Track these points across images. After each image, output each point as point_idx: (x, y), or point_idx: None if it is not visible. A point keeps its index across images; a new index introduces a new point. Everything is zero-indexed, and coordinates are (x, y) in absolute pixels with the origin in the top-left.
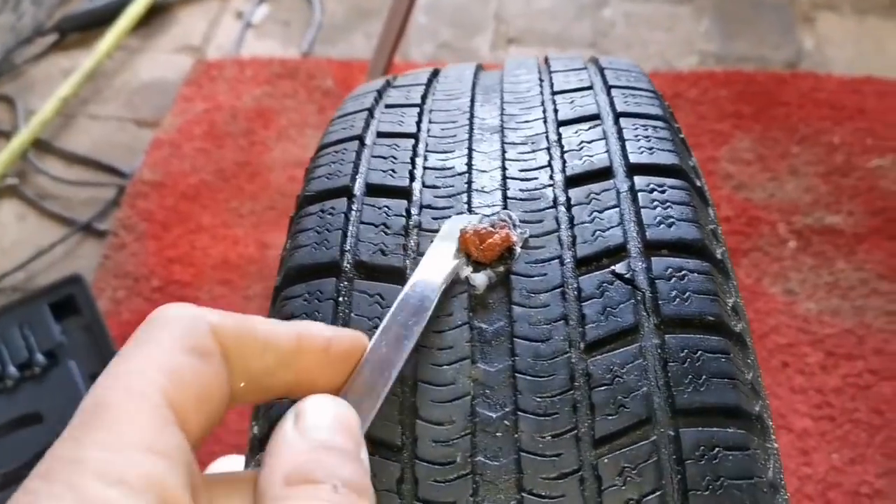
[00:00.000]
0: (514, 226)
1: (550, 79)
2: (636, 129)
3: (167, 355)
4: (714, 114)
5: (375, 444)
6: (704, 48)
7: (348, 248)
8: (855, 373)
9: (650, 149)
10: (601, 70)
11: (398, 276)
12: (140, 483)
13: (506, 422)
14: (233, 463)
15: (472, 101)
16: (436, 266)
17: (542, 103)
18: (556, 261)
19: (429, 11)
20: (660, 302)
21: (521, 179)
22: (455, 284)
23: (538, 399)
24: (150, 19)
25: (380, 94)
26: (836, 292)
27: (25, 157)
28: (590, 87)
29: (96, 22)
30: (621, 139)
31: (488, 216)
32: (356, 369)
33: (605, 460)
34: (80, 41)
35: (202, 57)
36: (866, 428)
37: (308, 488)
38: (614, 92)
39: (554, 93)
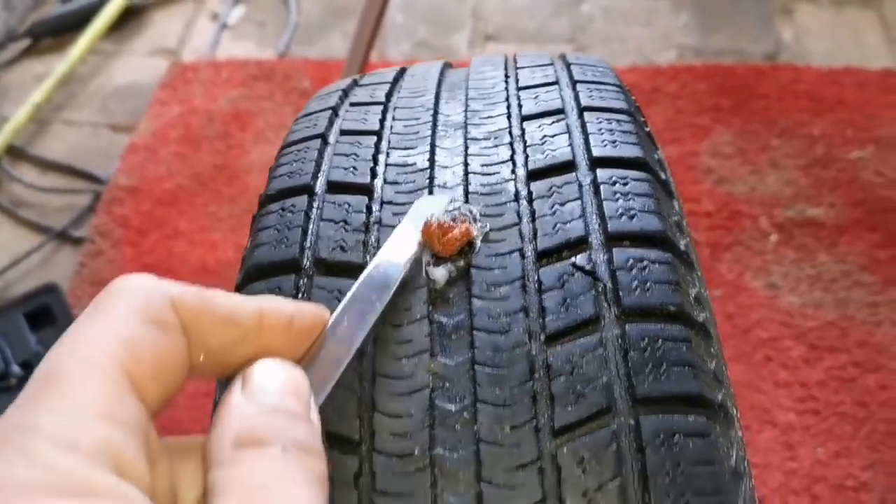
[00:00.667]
0: (475, 220)
1: (516, 75)
2: (600, 122)
3: (124, 325)
4: (693, 108)
5: (333, 438)
6: (683, 42)
7: (308, 245)
8: (839, 365)
9: (613, 142)
10: (567, 66)
11: (358, 272)
12: (95, 449)
13: (465, 414)
14: None
15: (437, 98)
16: (400, 247)
17: (507, 99)
18: (517, 253)
19: (405, 9)
20: (621, 293)
21: (483, 174)
22: (414, 278)
23: (497, 391)
24: (124, 22)
25: (345, 92)
26: (819, 285)
27: None
28: (555, 83)
29: (69, 26)
30: (584, 133)
31: (454, 202)
32: (316, 342)
33: (565, 450)
34: (53, 46)
35: (177, 59)
36: (851, 421)
37: (257, 450)
38: (580, 87)
39: (519, 88)
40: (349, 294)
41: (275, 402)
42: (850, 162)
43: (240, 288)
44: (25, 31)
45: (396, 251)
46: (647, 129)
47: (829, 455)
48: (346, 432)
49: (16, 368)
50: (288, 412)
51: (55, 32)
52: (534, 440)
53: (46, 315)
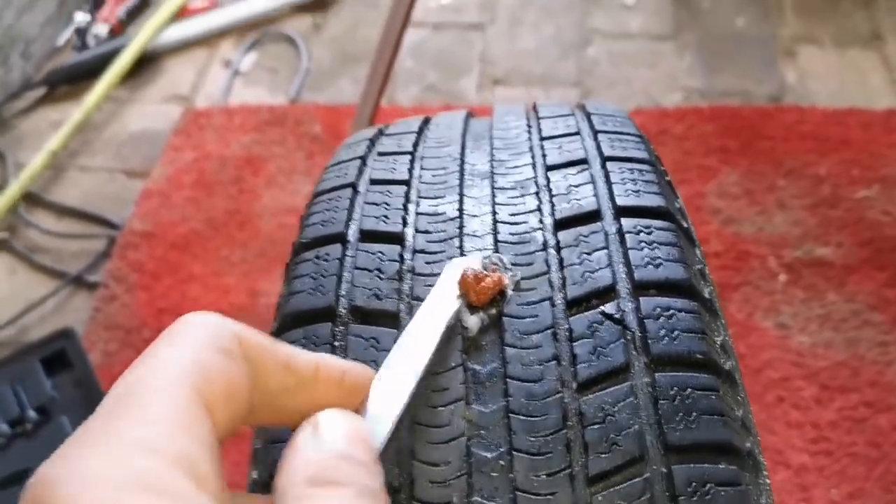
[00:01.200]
0: (506, 269)
1: (539, 125)
2: (623, 172)
3: (196, 351)
4: (700, 149)
5: None
6: (688, 84)
7: (343, 293)
8: (850, 406)
9: (637, 191)
10: (588, 116)
11: (392, 320)
12: (175, 456)
13: (501, 462)
14: None
15: (463, 147)
16: (439, 305)
17: (531, 149)
18: (547, 302)
19: (414, 55)
20: (649, 341)
21: (511, 223)
22: (448, 328)
23: (532, 439)
24: (139, 70)
25: (372, 142)
26: (829, 325)
27: (16, 211)
28: (577, 133)
29: (85, 74)
30: (608, 182)
31: (485, 258)
32: (365, 400)
33: (600, 498)
34: (68, 94)
35: (191, 106)
36: (864, 461)
37: (332, 489)
38: (601, 137)
39: (542, 139)
40: (393, 350)
41: (345, 448)
42: (857, 201)
43: (277, 334)
44: (42, 79)
45: (435, 310)
46: (668, 178)
47: (843, 496)
48: (386, 479)
49: (31, 413)
50: (358, 459)
51: (71, 80)
52: (569, 488)
53: (62, 360)
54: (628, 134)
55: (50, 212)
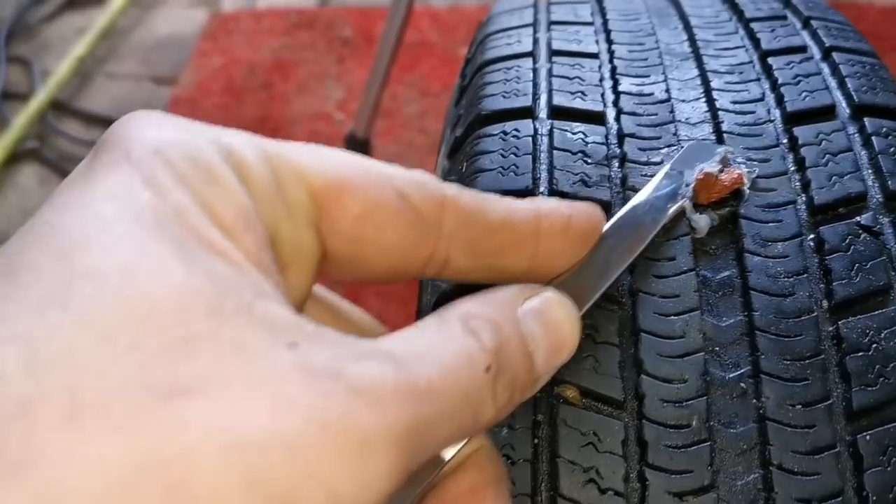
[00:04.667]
0: (740, 164)
1: (734, 4)
2: (853, 65)
3: None
4: None
5: (591, 396)
6: None
7: (539, 176)
8: None
9: (874, 88)
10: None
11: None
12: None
13: (742, 384)
14: None
15: (652, 23)
16: (664, 188)
17: (738, 30)
18: (792, 206)
19: None
20: None
21: (737, 112)
22: (674, 226)
23: (787, 362)
24: None
25: (535, 10)
26: None
27: (44, 120)
28: (784, 17)
29: None
30: (838, 75)
31: (718, 151)
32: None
33: (868, 437)
34: None
35: (217, 10)
36: None
37: (501, 375)
38: (815, 23)
39: (748, 20)
40: (617, 215)
41: (546, 362)
42: None
43: None
44: None
45: (660, 192)
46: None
47: None
48: (608, 392)
49: None
50: (528, 353)
51: None
52: (828, 423)
53: None
54: (840, 22)
55: (79, 120)
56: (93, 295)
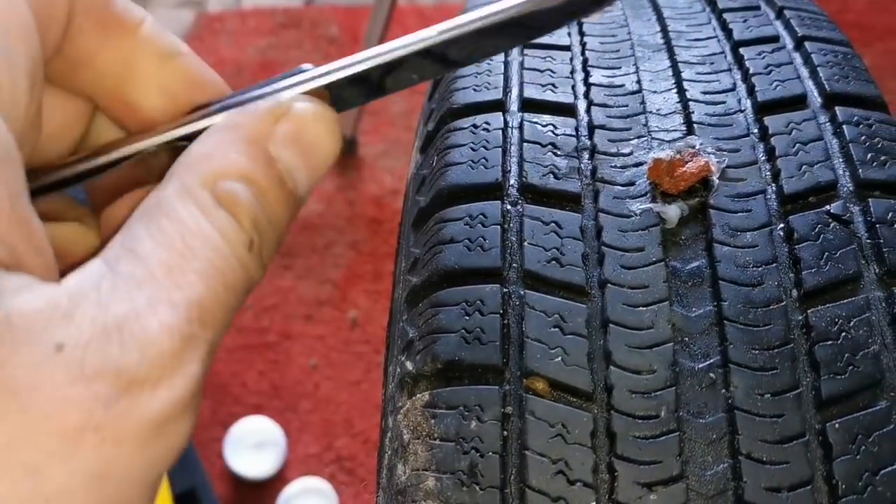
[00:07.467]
0: (708, 154)
1: None
2: (825, 54)
3: None
4: None
5: (560, 388)
6: None
7: (509, 169)
8: None
9: (845, 77)
10: None
11: (575, 204)
12: None
13: (711, 374)
14: None
15: (624, 14)
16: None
17: (710, 21)
18: (762, 196)
19: None
20: (884, 250)
21: (707, 103)
22: (643, 216)
23: (755, 351)
24: None
25: None
26: None
27: None
28: (758, 7)
29: None
30: (810, 65)
31: (680, 140)
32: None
33: (836, 425)
34: None
35: (203, 10)
36: None
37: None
38: (788, 13)
39: (721, 11)
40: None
41: (297, 167)
42: None
43: (428, 212)
44: None
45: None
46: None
47: None
48: (577, 383)
49: None
50: (289, 191)
51: None
52: (798, 411)
53: None
54: (814, 12)
55: None
56: None
